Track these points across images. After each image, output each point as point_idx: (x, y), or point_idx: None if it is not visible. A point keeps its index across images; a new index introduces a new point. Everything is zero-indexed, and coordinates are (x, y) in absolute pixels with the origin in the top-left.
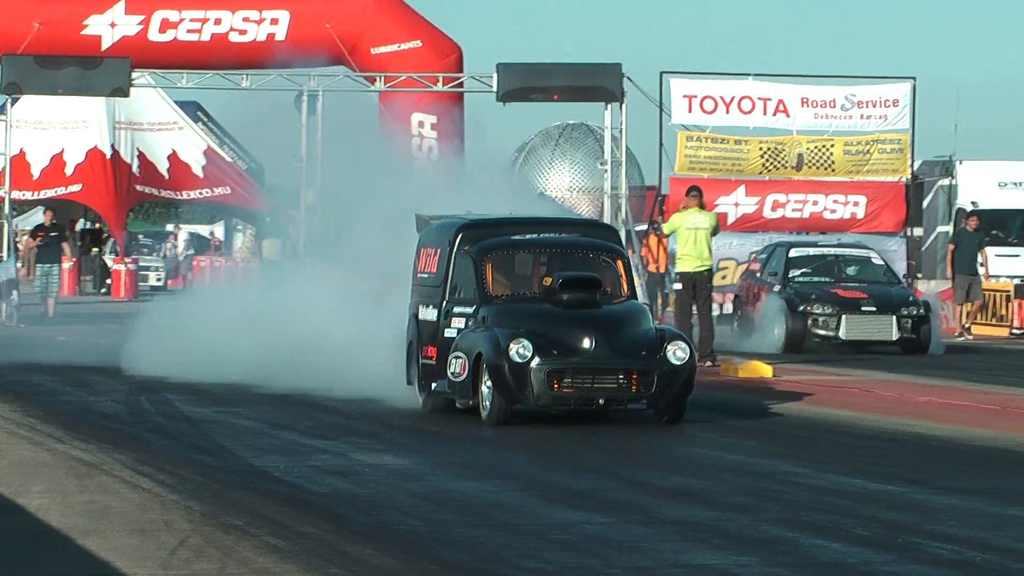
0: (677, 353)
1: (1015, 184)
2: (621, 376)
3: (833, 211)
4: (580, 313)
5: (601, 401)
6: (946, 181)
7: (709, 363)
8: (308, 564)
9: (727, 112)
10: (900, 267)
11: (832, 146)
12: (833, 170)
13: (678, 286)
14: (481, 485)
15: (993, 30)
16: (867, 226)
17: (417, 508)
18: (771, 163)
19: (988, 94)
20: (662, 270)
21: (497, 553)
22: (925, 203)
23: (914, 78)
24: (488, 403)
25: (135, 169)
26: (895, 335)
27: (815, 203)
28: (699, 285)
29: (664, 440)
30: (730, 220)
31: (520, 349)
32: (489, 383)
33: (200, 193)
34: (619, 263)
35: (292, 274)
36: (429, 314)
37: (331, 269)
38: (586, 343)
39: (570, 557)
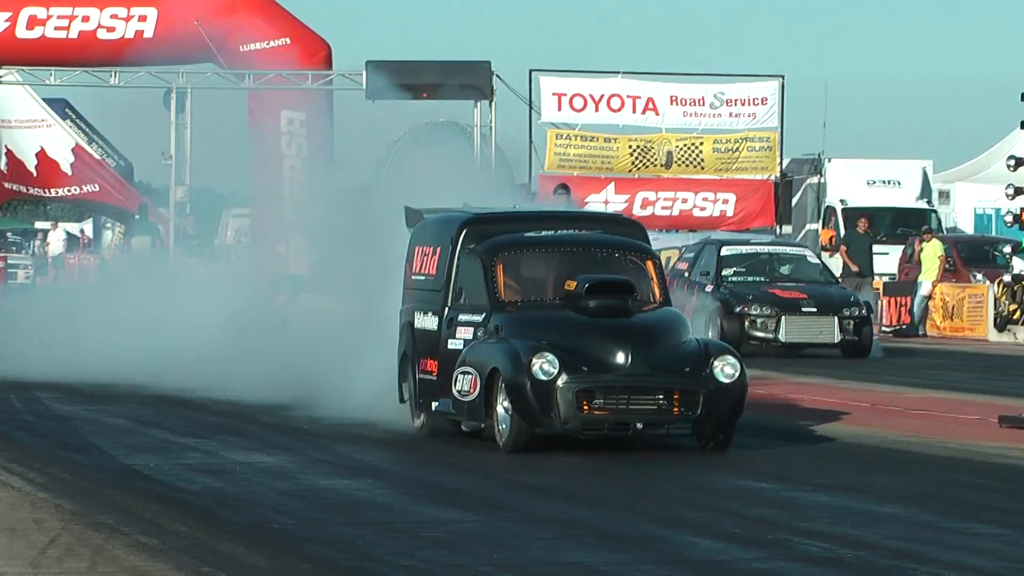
0: (725, 369)
1: (884, 182)
2: (661, 396)
3: (703, 208)
4: (611, 323)
5: (639, 425)
6: (815, 179)
7: None
8: (179, 562)
9: (596, 110)
10: None
11: (701, 144)
12: (702, 168)
13: None
14: (352, 483)
15: (862, 29)
16: (737, 224)
17: (288, 506)
18: (640, 161)
19: (857, 92)
20: None
21: (369, 551)
22: (794, 201)
23: (783, 76)
24: (505, 427)
25: (3, 166)
26: (837, 337)
27: (684, 201)
28: None
29: (539, 439)
30: None
31: (544, 365)
32: (506, 404)
33: (69, 191)
34: (649, 264)
35: (161, 272)
36: (428, 322)
37: (200, 266)
38: (620, 358)
39: (442, 555)
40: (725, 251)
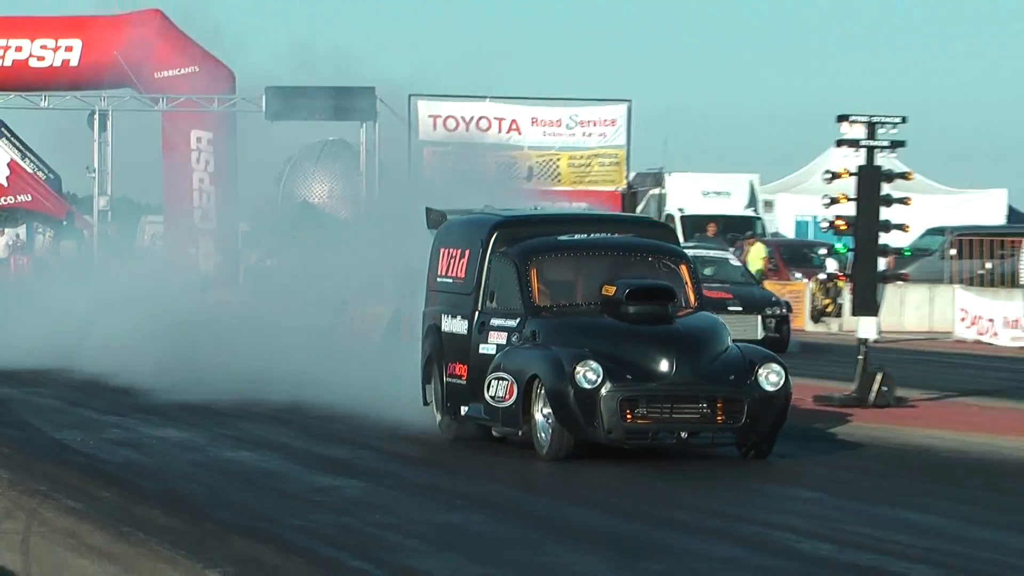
0: (770, 377)
1: (716, 193)
2: (704, 405)
3: None
4: (654, 330)
5: (684, 435)
6: (656, 190)
7: None
8: (103, 524)
9: (467, 130)
10: None
11: (558, 160)
12: (559, 180)
13: None
14: (253, 455)
15: (700, 59)
16: None
17: (198, 475)
18: (505, 176)
19: (695, 115)
20: None
21: (267, 514)
22: (639, 210)
23: (630, 100)
24: (544, 435)
25: None
26: (760, 334)
27: (544, 209)
28: None
29: (408, 410)
30: None
31: (588, 373)
32: (547, 411)
33: (5, 200)
34: (683, 268)
35: (86, 270)
36: (456, 326)
37: (121, 265)
38: (664, 366)
39: (330, 516)
40: None
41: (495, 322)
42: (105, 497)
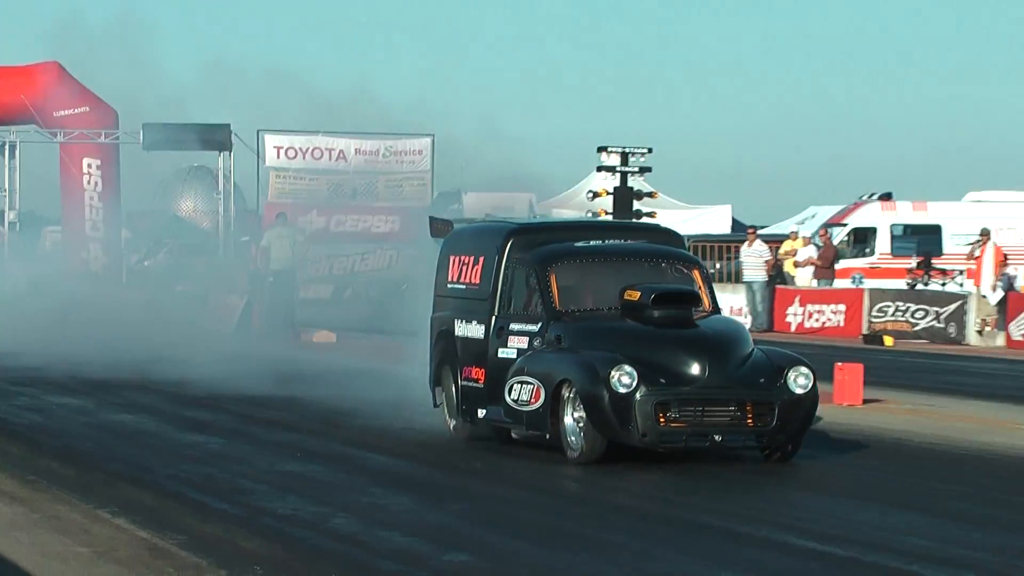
0: (799, 380)
1: (502, 209)
2: (734, 407)
3: (378, 227)
4: (683, 333)
5: (718, 438)
6: (455, 206)
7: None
8: (12, 473)
9: (304, 158)
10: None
11: (377, 182)
12: (377, 199)
13: (271, 279)
14: (135, 418)
15: (498, 96)
16: (399, 237)
17: (90, 434)
18: (335, 194)
19: (488, 143)
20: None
21: (146, 465)
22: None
23: (433, 135)
24: (575, 438)
25: None
26: None
27: (365, 221)
28: (286, 277)
29: (261, 381)
30: (308, 233)
31: (623, 377)
32: (578, 415)
33: None
34: (695, 273)
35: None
36: (471, 331)
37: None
38: (695, 369)
39: (197, 467)
40: None
41: (514, 327)
42: (13, 452)
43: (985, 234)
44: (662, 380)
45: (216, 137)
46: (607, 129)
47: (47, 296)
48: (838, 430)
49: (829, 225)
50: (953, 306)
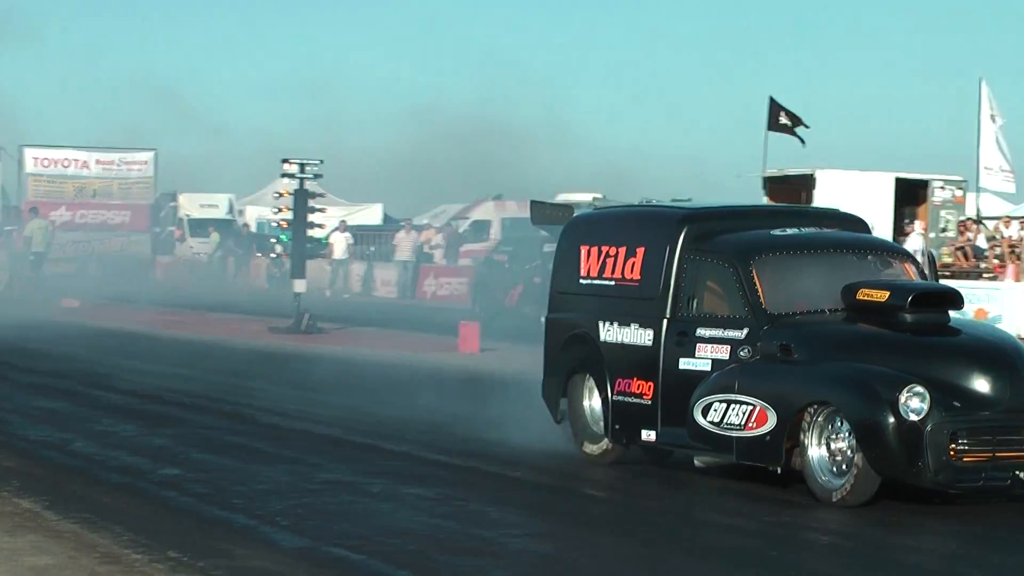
0: None
1: (209, 205)
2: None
3: (113, 219)
4: (966, 343)
5: (1022, 475)
6: (173, 204)
7: None
8: None
9: (55, 168)
10: None
11: (111, 185)
12: (112, 197)
13: (31, 258)
14: None
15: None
16: (128, 227)
17: None
18: (79, 194)
19: (197, 154)
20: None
21: (4, 429)
22: (160, 216)
23: (155, 148)
24: (829, 477)
25: None
26: None
27: (103, 215)
28: (42, 258)
29: (24, 334)
30: (58, 224)
31: (913, 400)
32: (837, 446)
33: None
34: (907, 267)
35: None
36: (630, 335)
37: None
38: (993, 389)
39: (50, 430)
40: (547, 247)
41: (705, 332)
42: None
43: None
44: (956, 404)
45: None
46: (288, 144)
47: None
48: (463, 376)
49: (456, 218)
50: None
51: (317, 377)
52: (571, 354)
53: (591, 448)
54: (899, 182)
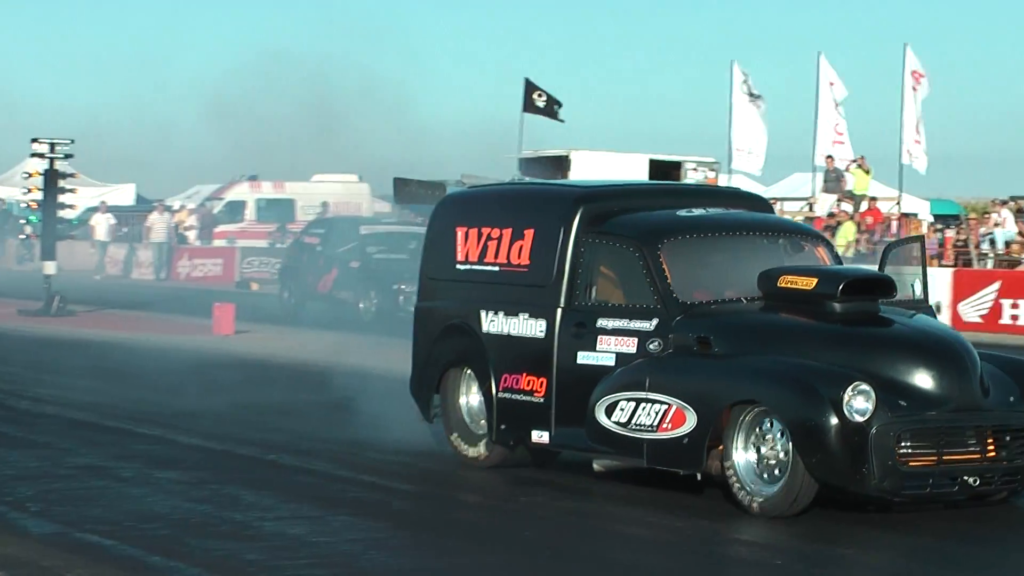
0: None
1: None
2: (987, 437)
3: None
4: (908, 335)
5: (971, 481)
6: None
7: None
8: None
9: None
10: None
11: None
12: None
13: None
14: None
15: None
16: None
17: None
18: None
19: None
20: None
21: None
22: None
23: None
24: (758, 485)
25: None
26: None
27: None
28: None
29: None
30: None
31: (858, 400)
32: (768, 449)
33: None
34: (821, 251)
35: None
36: (518, 326)
37: None
38: (941, 387)
39: None
40: (364, 230)
41: (607, 323)
42: None
43: (325, 206)
44: (902, 403)
45: None
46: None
47: None
48: (218, 359)
49: (210, 199)
50: None
51: (66, 360)
52: (446, 346)
53: (468, 450)
54: (653, 163)
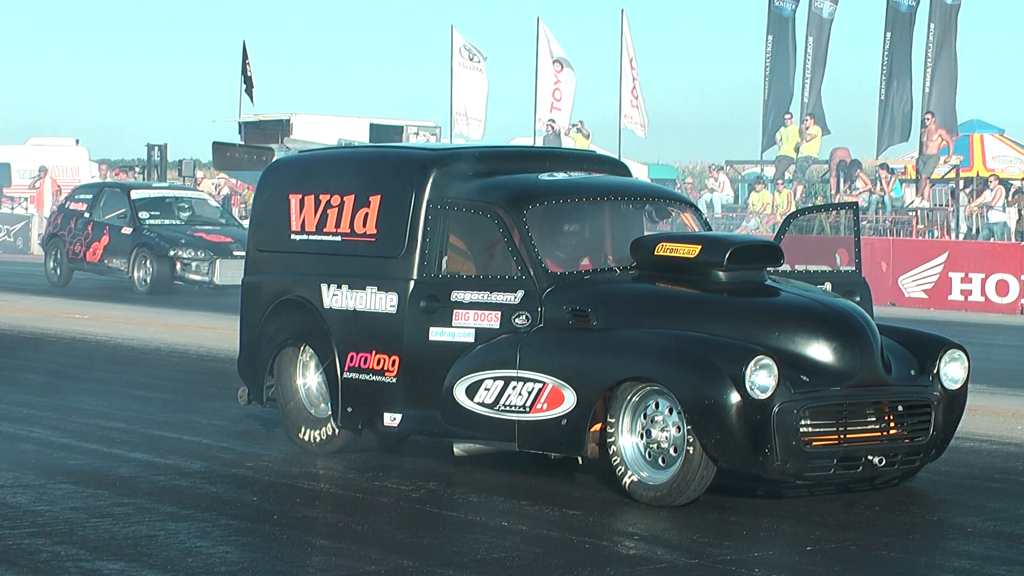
0: (953, 370)
1: None
2: (888, 414)
3: None
4: (805, 306)
5: (878, 462)
6: None
7: None
8: None
9: None
10: None
11: None
12: None
13: None
14: None
15: None
16: None
17: None
18: None
19: None
20: None
21: None
22: None
23: None
24: (647, 471)
25: None
26: None
27: None
28: None
29: None
30: None
31: (760, 376)
32: (660, 433)
33: None
34: (688, 217)
35: None
36: (369, 301)
37: None
38: (843, 361)
39: None
40: (135, 194)
41: (464, 296)
42: None
43: (43, 170)
44: (804, 378)
45: None
46: None
47: None
48: None
49: None
50: (20, 224)
51: None
52: (281, 323)
53: (308, 434)
54: (374, 127)
